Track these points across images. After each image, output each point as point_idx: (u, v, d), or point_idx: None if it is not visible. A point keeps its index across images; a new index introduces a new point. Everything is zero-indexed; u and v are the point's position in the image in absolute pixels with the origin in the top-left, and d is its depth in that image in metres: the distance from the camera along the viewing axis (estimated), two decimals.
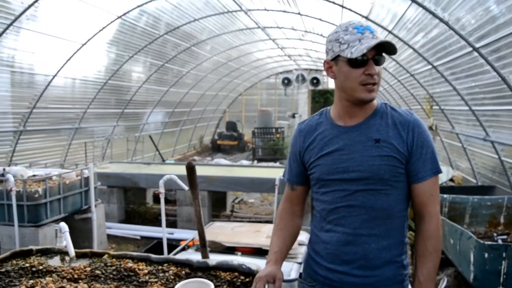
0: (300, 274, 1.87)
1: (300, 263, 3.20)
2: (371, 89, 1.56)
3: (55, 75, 7.02)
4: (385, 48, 1.56)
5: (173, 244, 4.38)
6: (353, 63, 1.54)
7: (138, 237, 6.44)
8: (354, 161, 1.60)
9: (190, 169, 2.09)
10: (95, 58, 7.95)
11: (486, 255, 3.21)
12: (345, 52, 1.54)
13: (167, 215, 3.75)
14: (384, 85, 11.53)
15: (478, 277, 3.29)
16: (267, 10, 8.68)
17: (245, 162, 12.53)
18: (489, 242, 3.30)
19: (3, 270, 1.89)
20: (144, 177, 7.13)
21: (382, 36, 7.29)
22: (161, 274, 1.88)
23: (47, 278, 1.80)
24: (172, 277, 1.85)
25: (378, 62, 1.55)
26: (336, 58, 1.59)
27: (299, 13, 8.73)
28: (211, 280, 1.66)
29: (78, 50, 6.93)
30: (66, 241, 2.15)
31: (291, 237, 1.81)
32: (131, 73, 9.87)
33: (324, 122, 1.72)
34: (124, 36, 7.84)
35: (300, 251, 3.42)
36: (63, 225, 2.23)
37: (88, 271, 1.89)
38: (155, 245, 4.93)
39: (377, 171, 1.57)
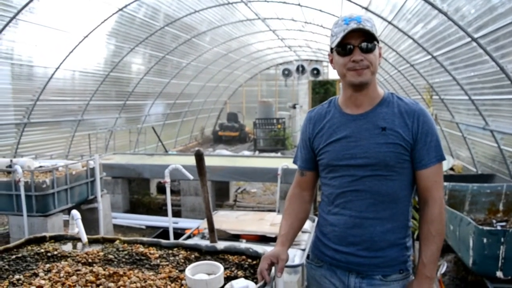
0: (308, 255, 1.95)
1: (303, 250, 3.28)
2: (359, 72, 1.63)
3: (58, 67, 7.06)
4: (369, 35, 1.61)
5: (178, 233, 4.46)
6: (340, 52, 1.64)
7: (143, 227, 6.52)
8: (361, 148, 1.67)
9: (199, 156, 2.16)
10: (95, 50, 7.98)
11: (484, 240, 3.28)
12: (333, 44, 1.65)
13: (171, 205, 3.82)
14: (384, 75, 11.56)
15: (477, 261, 3.37)
16: (267, 1, 8.68)
17: (246, 152, 12.59)
18: (488, 228, 3.36)
19: (19, 255, 1.97)
20: (148, 168, 7.20)
21: (381, 27, 7.32)
22: (171, 258, 1.95)
23: (62, 262, 1.87)
24: (182, 260, 1.92)
25: (364, 49, 1.61)
26: (332, 50, 1.70)
27: (299, 4, 8.74)
28: (220, 263, 1.73)
29: (80, 42, 6.97)
30: (78, 228, 2.21)
31: (299, 221, 1.88)
32: (131, 65, 9.89)
33: (332, 110, 1.79)
34: (123, 27, 7.85)
35: (304, 238, 3.50)
36: (76, 213, 2.30)
37: (101, 255, 1.96)
38: (161, 233, 5.01)
39: (383, 157, 1.64)
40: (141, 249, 2.04)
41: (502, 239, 3.23)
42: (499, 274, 3.27)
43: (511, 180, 5.15)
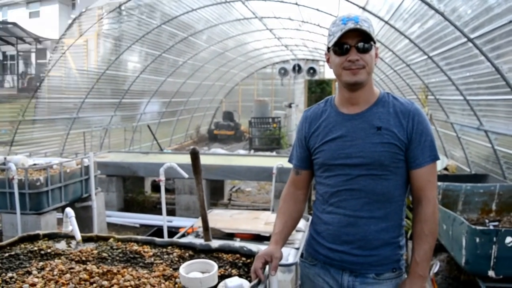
0: (302, 254, 1.96)
1: (297, 249, 3.29)
2: (354, 72, 1.64)
3: (54, 64, 7.03)
4: (366, 35, 1.62)
5: (172, 231, 4.46)
6: (337, 51, 1.65)
7: (137, 225, 6.50)
8: (356, 147, 1.68)
9: (194, 154, 2.16)
10: (92, 48, 7.94)
11: (477, 239, 3.30)
12: (330, 43, 1.66)
13: (165, 203, 3.81)
14: (380, 75, 11.58)
15: (470, 261, 3.39)
16: (264, 0, 8.67)
17: (242, 151, 12.59)
18: (481, 227, 3.39)
19: (12, 253, 1.96)
20: (143, 166, 7.18)
21: (378, 26, 7.33)
22: (165, 256, 1.95)
23: (56, 260, 1.86)
24: (176, 258, 1.92)
25: (361, 50, 1.63)
26: (329, 49, 1.71)
27: (296, 3, 8.73)
28: (214, 262, 1.73)
29: (76, 40, 6.94)
30: (72, 226, 2.21)
31: (292, 220, 1.89)
32: (127, 63, 9.87)
33: (328, 109, 1.80)
34: (120, 25, 7.82)
35: (297, 237, 3.50)
36: (69, 211, 2.29)
37: (95, 253, 1.96)
38: (155, 232, 4.99)
39: (378, 157, 1.65)
40: (135, 247, 2.04)
41: (495, 239, 3.25)
42: (491, 273, 3.29)
43: (504, 180, 5.18)
